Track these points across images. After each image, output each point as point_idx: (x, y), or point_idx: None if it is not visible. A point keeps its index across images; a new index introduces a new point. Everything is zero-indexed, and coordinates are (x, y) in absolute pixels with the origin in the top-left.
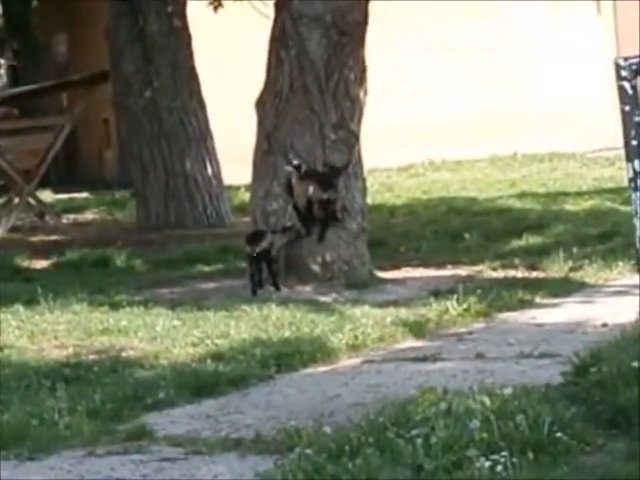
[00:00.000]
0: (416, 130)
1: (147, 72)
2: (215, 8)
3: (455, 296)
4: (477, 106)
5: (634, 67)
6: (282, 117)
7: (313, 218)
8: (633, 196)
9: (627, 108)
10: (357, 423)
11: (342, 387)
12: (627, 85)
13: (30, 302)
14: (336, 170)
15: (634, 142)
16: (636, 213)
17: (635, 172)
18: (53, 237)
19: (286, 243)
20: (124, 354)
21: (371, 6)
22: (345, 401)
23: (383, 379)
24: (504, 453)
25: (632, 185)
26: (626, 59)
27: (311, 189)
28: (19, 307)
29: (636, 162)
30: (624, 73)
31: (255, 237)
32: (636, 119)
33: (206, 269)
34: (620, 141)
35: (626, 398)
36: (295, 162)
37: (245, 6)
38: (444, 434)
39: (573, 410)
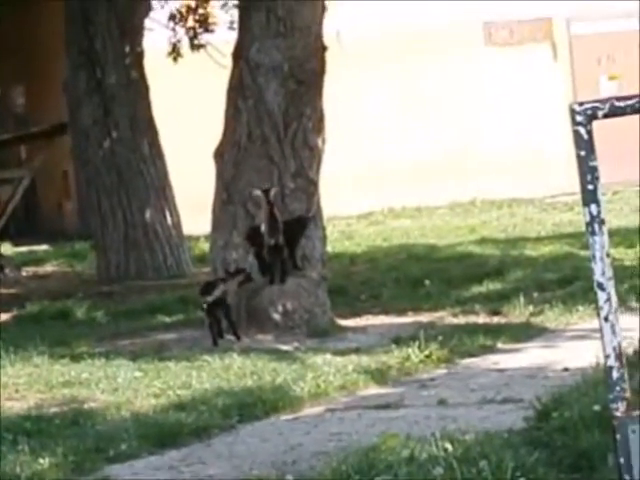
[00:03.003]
0: (375, 177)
1: (105, 123)
2: (174, 59)
3: (416, 343)
4: (436, 153)
5: (589, 112)
6: (241, 167)
7: (270, 263)
8: (590, 240)
9: (583, 153)
10: (320, 472)
11: (305, 436)
12: (582, 130)
13: None
14: (292, 222)
15: (590, 186)
16: (594, 257)
17: (592, 216)
18: (13, 290)
19: (240, 288)
20: (86, 406)
21: (328, 55)
22: (308, 450)
23: (346, 427)
24: None
25: (589, 229)
26: (581, 104)
27: (263, 226)
28: None
29: (592, 206)
30: (579, 118)
31: (208, 288)
32: (592, 164)
33: (167, 320)
34: (578, 186)
35: (588, 442)
36: (265, 187)
37: (202, 56)
38: None
39: (536, 455)
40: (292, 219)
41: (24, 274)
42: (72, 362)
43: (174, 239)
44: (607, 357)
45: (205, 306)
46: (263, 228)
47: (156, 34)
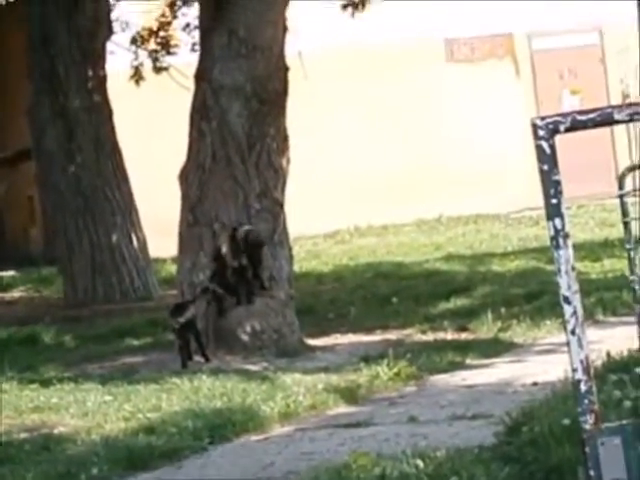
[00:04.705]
0: (340, 196)
1: (70, 148)
2: (137, 81)
3: (385, 361)
4: (400, 170)
5: (551, 126)
6: (206, 188)
7: (234, 285)
8: (555, 254)
9: (546, 167)
10: None
11: (276, 456)
12: (545, 144)
13: None
14: (252, 243)
15: (554, 200)
16: (559, 271)
17: (556, 230)
18: None
19: (208, 308)
20: (56, 431)
21: (292, 72)
22: (279, 470)
23: (316, 446)
24: None
25: (554, 243)
26: (543, 118)
27: (224, 248)
28: None
29: (557, 220)
30: (541, 132)
31: (178, 309)
32: (555, 178)
33: (135, 343)
34: (542, 201)
35: (558, 456)
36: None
37: (165, 79)
38: None
39: (507, 470)
40: (249, 241)
41: None
42: (41, 387)
43: (141, 262)
44: (575, 370)
45: (176, 327)
46: (224, 250)
47: (118, 57)
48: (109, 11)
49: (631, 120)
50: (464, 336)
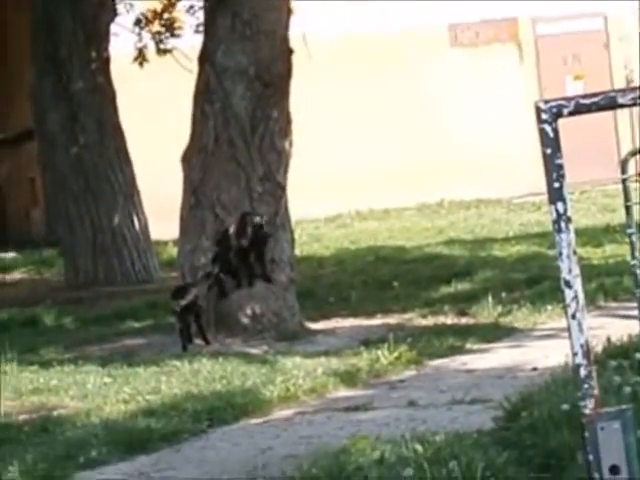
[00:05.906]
0: (342, 180)
1: (72, 130)
2: (141, 63)
3: (386, 345)
4: (403, 154)
5: (554, 110)
6: (208, 171)
7: (237, 267)
8: (557, 238)
9: (549, 151)
10: (290, 475)
11: (275, 439)
12: (548, 128)
13: None
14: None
15: (556, 184)
16: (560, 255)
17: (558, 214)
18: None
19: (210, 292)
20: (55, 413)
21: (296, 56)
22: (278, 453)
23: (316, 430)
24: None
25: (556, 227)
26: (546, 102)
27: (232, 229)
28: None
29: (559, 204)
30: (545, 116)
31: (180, 292)
32: (557, 161)
33: (136, 325)
34: (545, 186)
35: (557, 441)
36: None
37: (169, 61)
38: None
39: (505, 455)
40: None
41: None
42: (41, 369)
43: (142, 244)
44: (575, 355)
45: (177, 310)
46: (232, 230)
47: (122, 39)
48: None
49: (635, 104)
50: (464, 320)
